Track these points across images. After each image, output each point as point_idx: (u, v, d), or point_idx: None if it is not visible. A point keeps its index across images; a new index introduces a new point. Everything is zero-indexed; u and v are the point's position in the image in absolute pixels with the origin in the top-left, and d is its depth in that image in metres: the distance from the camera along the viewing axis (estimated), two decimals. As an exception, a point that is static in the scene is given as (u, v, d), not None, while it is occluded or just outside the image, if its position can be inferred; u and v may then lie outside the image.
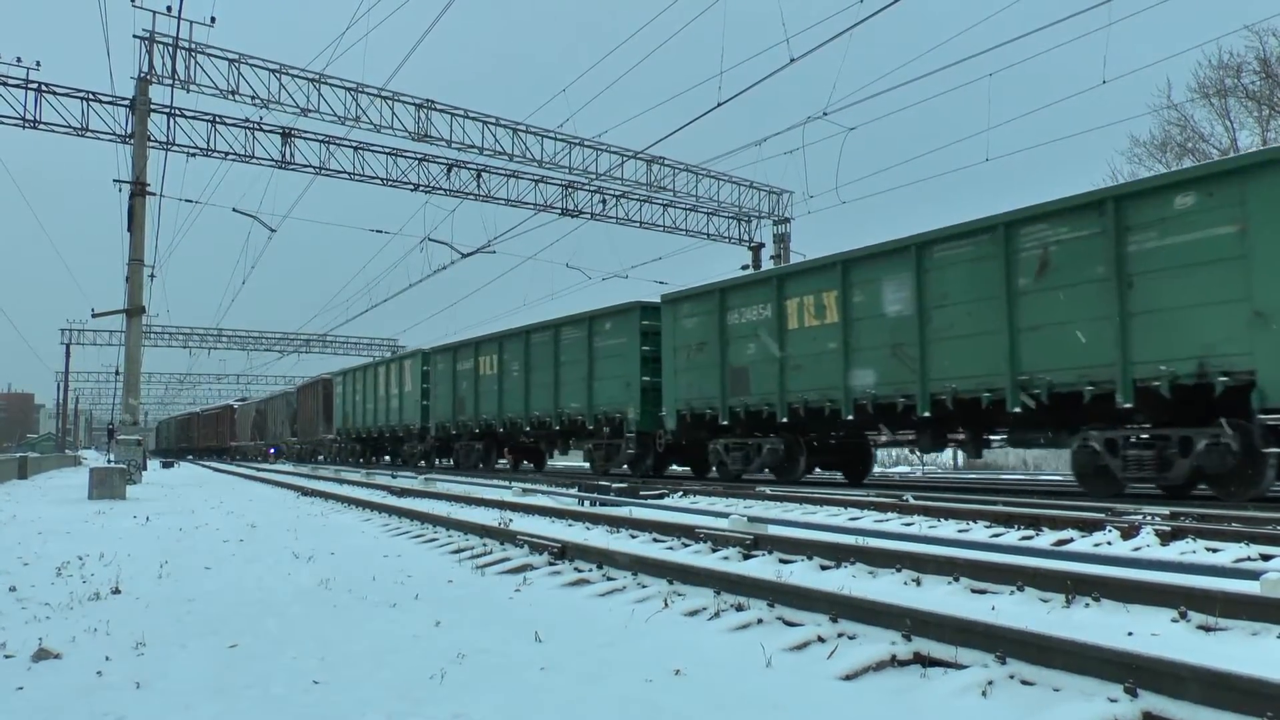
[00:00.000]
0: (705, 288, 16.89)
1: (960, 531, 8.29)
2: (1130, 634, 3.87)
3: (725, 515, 8.74)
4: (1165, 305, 10.23)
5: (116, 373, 58.63)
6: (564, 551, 6.57)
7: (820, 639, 3.97)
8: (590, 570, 6.03)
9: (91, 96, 21.84)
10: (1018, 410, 11.62)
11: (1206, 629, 4.01)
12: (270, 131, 24.19)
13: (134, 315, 21.20)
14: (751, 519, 8.03)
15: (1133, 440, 10.83)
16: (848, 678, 3.48)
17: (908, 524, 8.98)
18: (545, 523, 9.79)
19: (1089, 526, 7.74)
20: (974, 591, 5.02)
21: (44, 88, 21.43)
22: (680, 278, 21.48)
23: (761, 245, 33.05)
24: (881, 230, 14.65)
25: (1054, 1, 15.58)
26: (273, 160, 24.37)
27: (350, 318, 49.00)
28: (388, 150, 25.96)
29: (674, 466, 20.33)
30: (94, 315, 24.43)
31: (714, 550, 6.98)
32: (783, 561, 6.30)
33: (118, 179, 21.46)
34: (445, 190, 26.92)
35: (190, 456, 71.30)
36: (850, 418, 13.84)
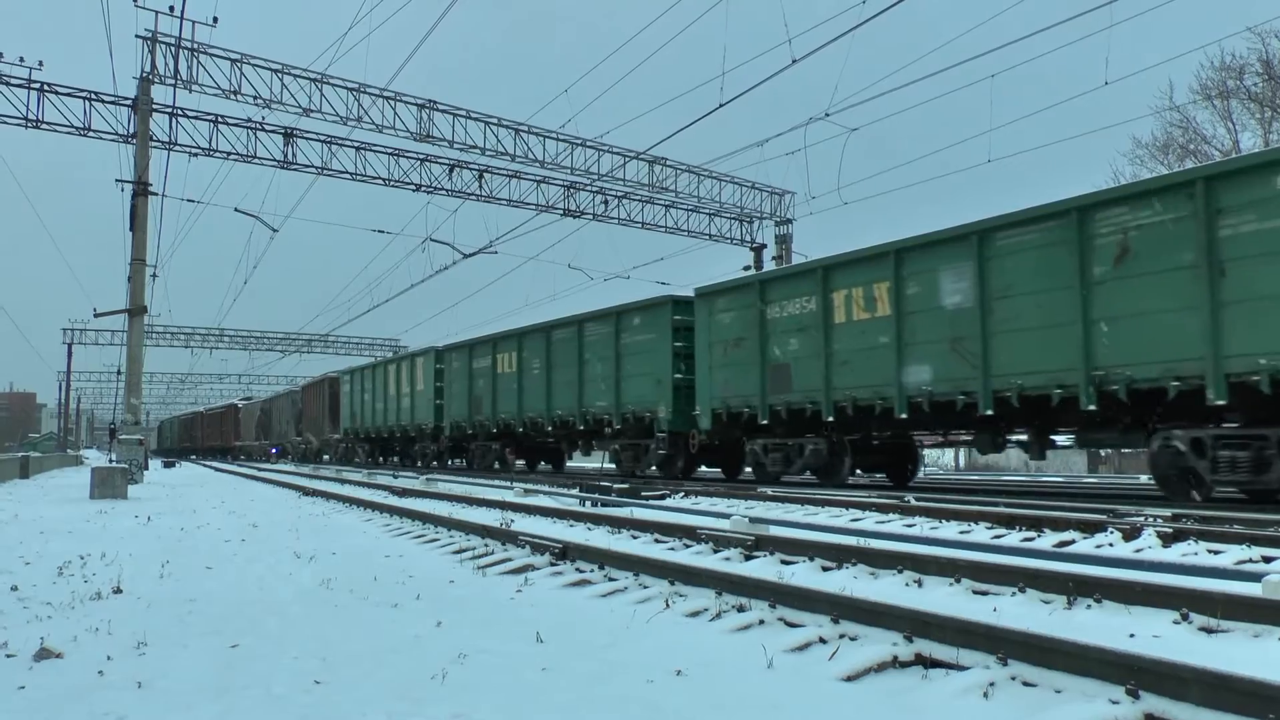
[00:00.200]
0: (743, 280, 16.21)
1: (962, 533, 8.29)
2: (1132, 635, 3.86)
3: (727, 516, 8.74)
4: (1264, 294, 9.44)
5: (118, 372, 58.72)
6: (565, 552, 6.57)
7: (822, 640, 3.97)
8: (592, 571, 6.03)
9: (94, 96, 21.86)
10: (1092, 408, 10.88)
11: (1208, 631, 4.00)
12: (272, 131, 24.22)
13: (136, 315, 21.21)
14: (753, 520, 8.03)
15: (1224, 440, 10.07)
16: (849, 679, 3.48)
17: (909, 525, 8.97)
18: (547, 523, 9.79)
19: (1091, 528, 7.73)
20: (976, 593, 5.01)
21: (46, 87, 21.46)
22: (682, 278, 21.47)
23: (763, 246, 33.06)
24: (882, 231, 14.63)
25: (1056, 3, 15.58)
26: (275, 160, 24.39)
27: (352, 318, 49.16)
28: (390, 150, 25.98)
29: (702, 468, 19.55)
30: (96, 315, 24.43)
31: (715, 551, 6.98)
32: (784, 562, 6.30)
33: (120, 179, 21.46)
34: (447, 190, 26.93)
35: (193, 456, 71.12)
36: (904, 416, 13.10)
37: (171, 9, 20.82)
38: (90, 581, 5.97)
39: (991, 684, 3.24)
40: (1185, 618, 4.09)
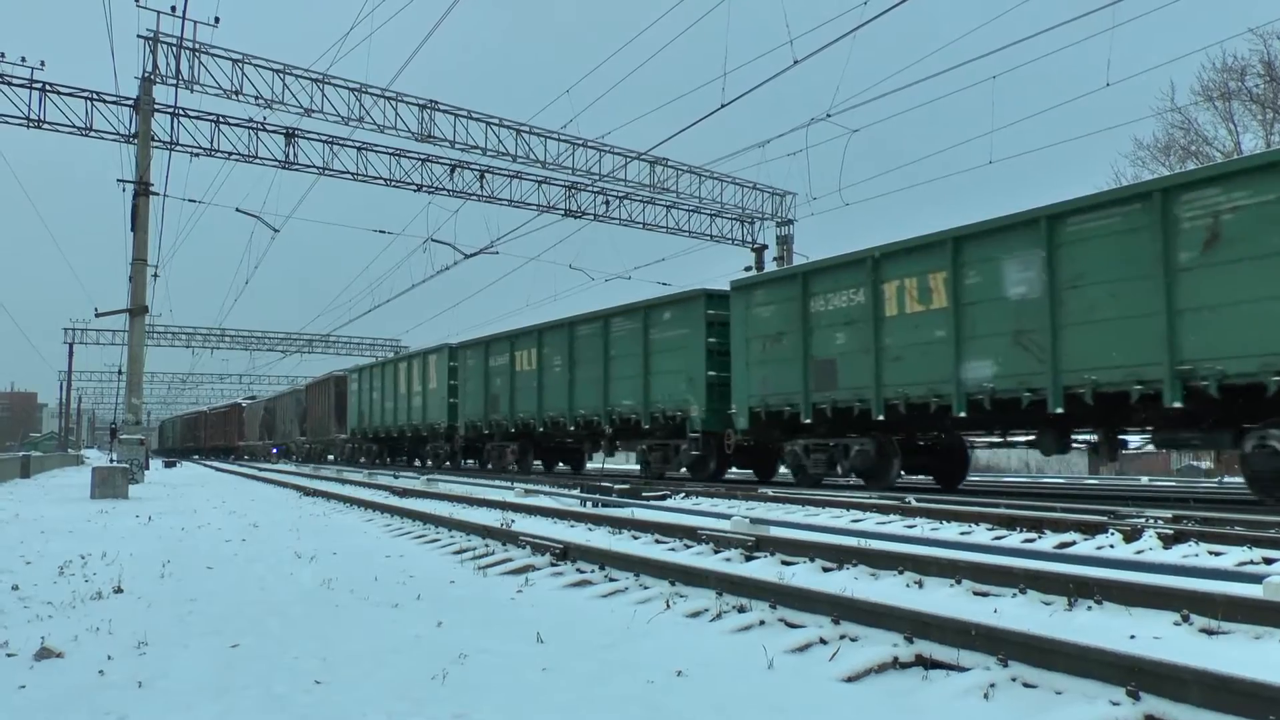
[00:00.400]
0: (784, 272, 15.39)
1: (962, 534, 8.29)
2: (1132, 637, 3.87)
3: (727, 517, 8.74)
4: None
5: (119, 372, 58.74)
6: (566, 552, 6.57)
7: (822, 640, 3.97)
8: (592, 571, 6.03)
9: (95, 96, 21.87)
10: (1177, 405, 10.16)
11: (1209, 632, 4.00)
12: (274, 132, 24.21)
13: (137, 315, 21.22)
14: (754, 521, 8.03)
15: None
16: (849, 679, 3.48)
17: (910, 526, 8.97)
18: (547, 524, 9.79)
19: (1091, 529, 7.73)
20: (976, 594, 5.02)
21: (48, 87, 21.46)
22: (683, 279, 21.45)
23: (765, 247, 33.05)
24: (884, 232, 14.62)
25: (1058, 4, 15.58)
26: (276, 160, 24.39)
27: (353, 318, 49.14)
28: (391, 151, 25.98)
29: (733, 469, 18.75)
30: (97, 315, 24.44)
31: (716, 551, 6.98)
32: (785, 563, 6.30)
33: (121, 179, 21.47)
34: (448, 191, 26.93)
35: (196, 456, 70.96)
36: (962, 415, 12.36)
37: (173, 9, 20.85)
38: (91, 581, 5.97)
39: (992, 685, 3.24)
40: (1186, 619, 4.09)
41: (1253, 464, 10.22)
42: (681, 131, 16.91)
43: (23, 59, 21.40)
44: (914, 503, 10.37)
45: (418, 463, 31.75)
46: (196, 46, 22.00)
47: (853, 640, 3.92)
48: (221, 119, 23.55)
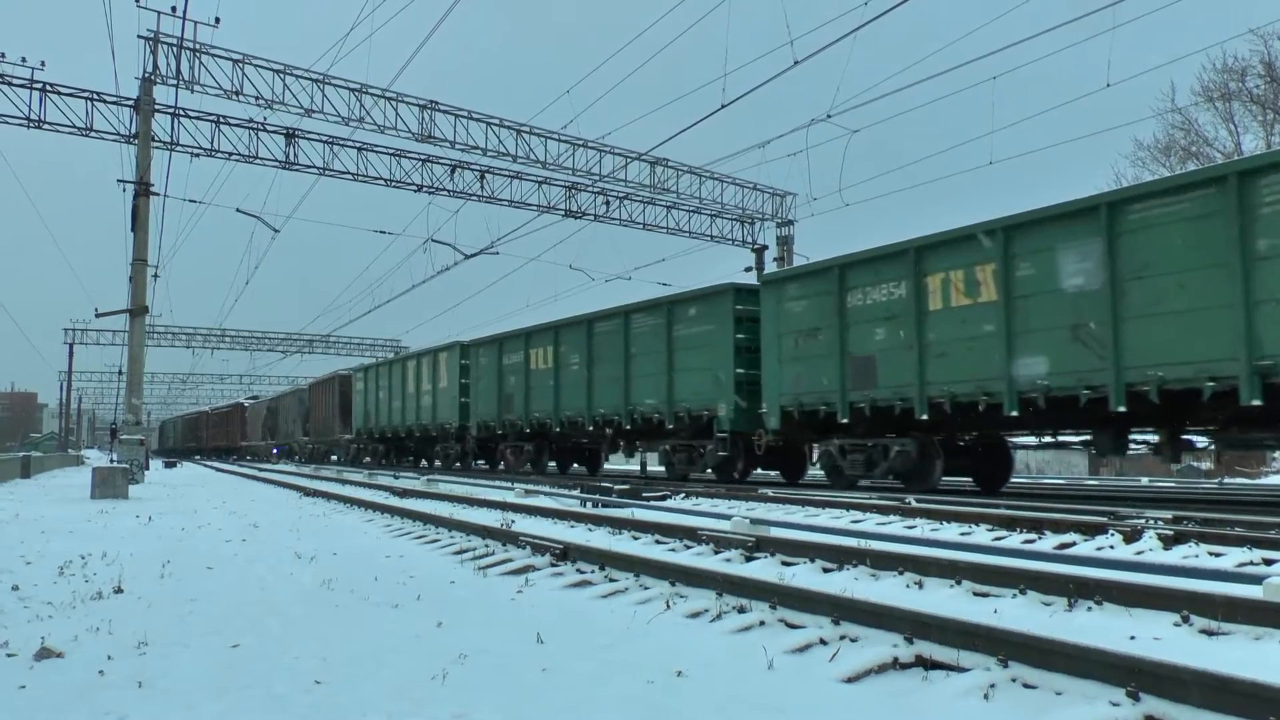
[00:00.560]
0: (819, 265, 14.72)
1: (963, 534, 8.29)
2: (1132, 638, 3.87)
3: (727, 517, 8.74)
4: None
5: (119, 372, 58.78)
6: (566, 553, 6.57)
7: (822, 641, 3.97)
8: (592, 571, 6.03)
9: (96, 96, 21.88)
10: (1256, 403, 9.54)
11: (1209, 633, 4.00)
12: (274, 132, 24.23)
13: (137, 315, 21.23)
14: (754, 521, 8.03)
15: None
16: (849, 680, 3.48)
17: (910, 527, 8.97)
18: (548, 524, 9.79)
19: (1092, 530, 7.74)
20: (976, 594, 5.02)
21: (48, 88, 21.47)
22: (684, 280, 21.42)
23: (765, 247, 33.07)
24: (885, 233, 14.62)
25: (1058, 5, 15.59)
26: (276, 161, 24.41)
27: (353, 318, 49.10)
28: (391, 151, 25.99)
29: (757, 470, 18.08)
30: (97, 315, 24.46)
31: (716, 552, 6.98)
32: (785, 564, 6.30)
33: (122, 179, 21.49)
34: (449, 191, 26.95)
35: (197, 456, 70.76)
36: (1014, 414, 11.75)
37: (173, 9, 20.87)
38: (91, 581, 5.97)
39: (992, 686, 3.24)
40: (1186, 620, 4.09)
41: None
42: (682, 132, 16.94)
43: (23, 59, 21.44)
44: (914, 503, 10.37)
45: (423, 463, 31.29)
46: (197, 47, 22.02)
47: (853, 641, 3.92)
48: (222, 119, 23.56)
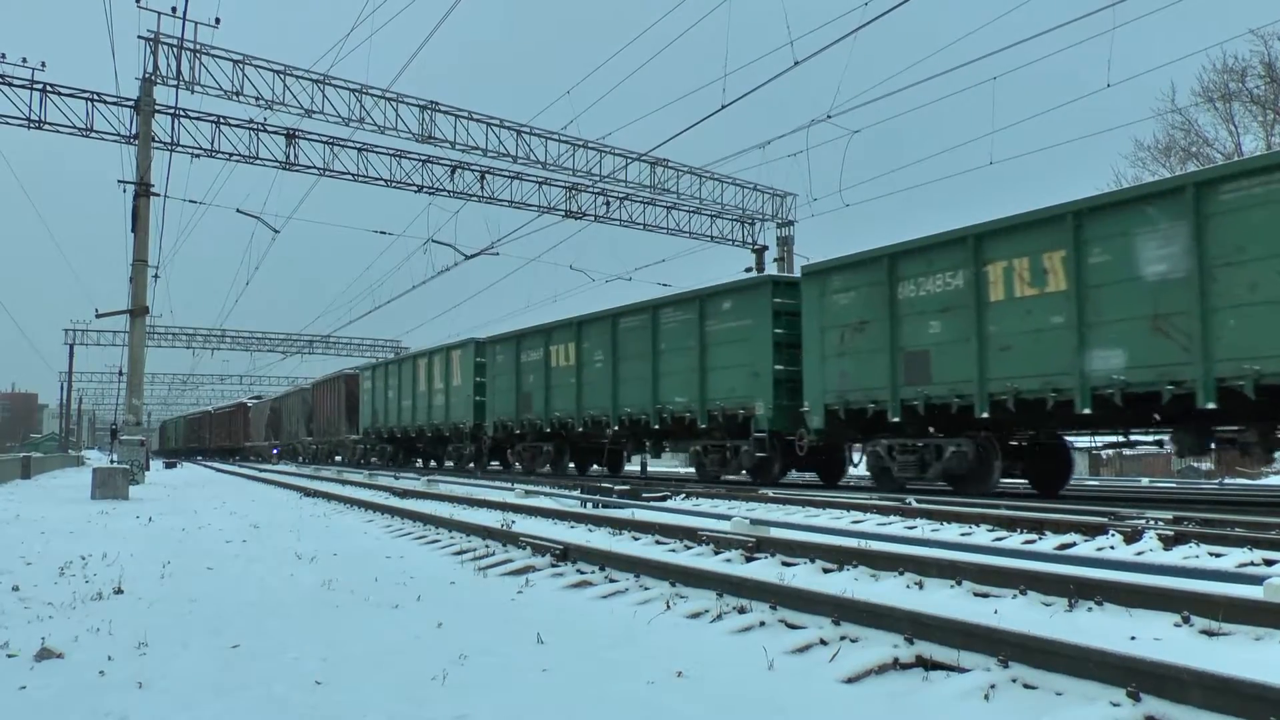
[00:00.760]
0: (867, 254, 13.83)
1: (963, 535, 8.29)
2: (1133, 638, 3.86)
3: (728, 518, 8.73)
4: None
5: (120, 373, 58.80)
6: (566, 553, 6.57)
7: (822, 641, 3.97)
8: (593, 572, 6.03)
9: (96, 97, 21.89)
10: None
11: (1209, 634, 4.00)
12: (274, 133, 24.24)
13: (138, 316, 21.24)
14: (754, 521, 8.03)
15: None
16: (850, 680, 3.48)
17: (910, 527, 8.97)
18: (548, 524, 9.79)
19: (1092, 531, 7.73)
20: (976, 595, 5.01)
21: (49, 88, 21.49)
22: (684, 280, 21.38)
23: (765, 248, 33.08)
24: (884, 234, 14.60)
25: (1058, 5, 15.59)
26: (277, 161, 24.42)
27: (353, 319, 49.07)
28: (392, 152, 26.00)
29: (792, 472, 17.47)
30: (98, 315, 24.50)
31: (716, 553, 6.98)
32: (785, 564, 6.30)
33: (122, 179, 21.50)
34: (449, 192, 26.96)
35: (199, 457, 70.53)
36: (1087, 411, 10.98)
37: (174, 10, 20.89)
38: (91, 582, 5.97)
39: (992, 686, 3.23)
40: (1186, 620, 4.09)
41: None
42: (682, 132, 16.94)
43: (24, 59, 21.45)
44: (914, 504, 10.37)
45: (432, 464, 30.84)
46: (197, 47, 22.04)
47: (853, 641, 3.92)
48: (222, 120, 23.58)
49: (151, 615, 4.85)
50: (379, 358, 53.53)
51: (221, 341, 59.01)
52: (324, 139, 24.95)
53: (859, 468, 15.83)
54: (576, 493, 14.27)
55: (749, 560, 6.54)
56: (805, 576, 5.75)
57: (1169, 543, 6.99)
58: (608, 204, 29.74)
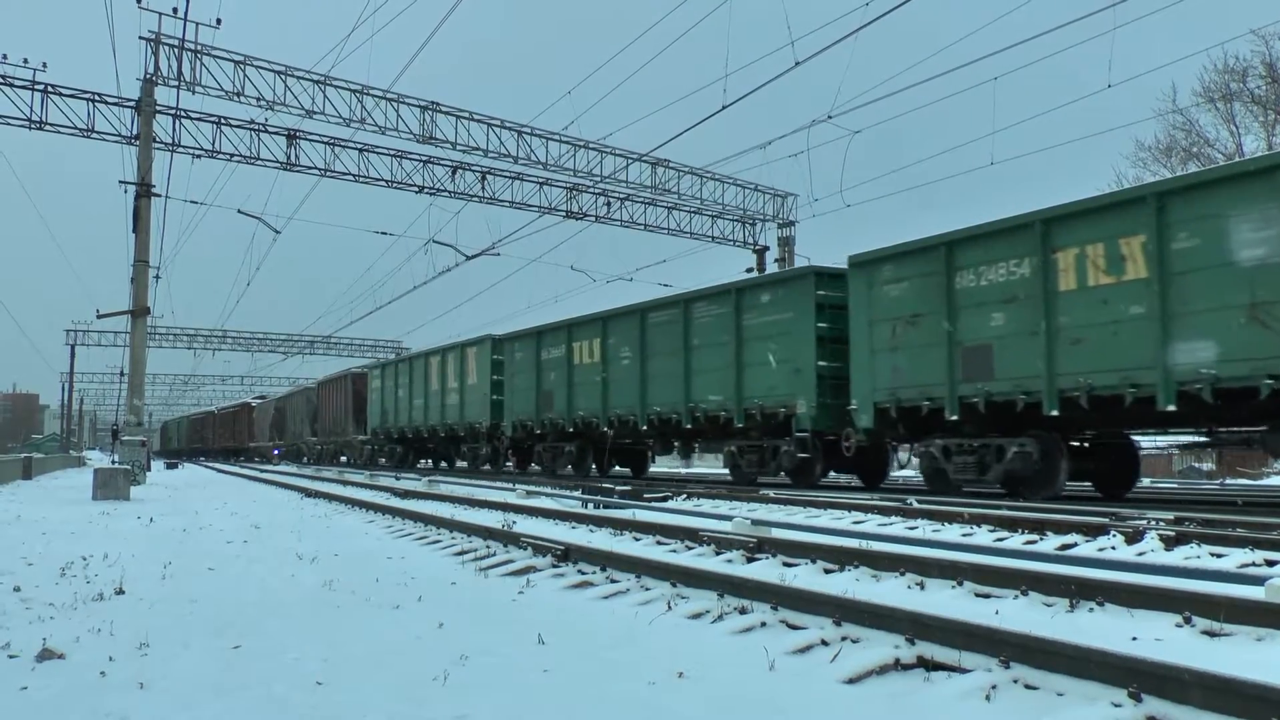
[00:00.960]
0: (921, 243, 13.08)
1: (964, 535, 8.28)
2: (1134, 639, 3.86)
3: (729, 518, 8.73)
4: None
5: (121, 373, 58.84)
6: (567, 554, 6.57)
7: (824, 642, 3.97)
8: (594, 572, 6.03)
9: (97, 98, 21.91)
10: None
11: (1211, 634, 4.00)
12: (275, 133, 24.26)
13: (139, 316, 21.25)
14: (755, 522, 8.02)
15: None
16: (851, 681, 3.48)
17: (911, 528, 8.97)
18: (549, 525, 9.79)
19: (1093, 531, 7.73)
20: (978, 595, 5.01)
21: (50, 89, 21.50)
22: (685, 280, 21.34)
23: (766, 248, 33.09)
24: (885, 234, 14.58)
25: (1059, 5, 15.58)
26: (278, 162, 24.44)
27: (354, 319, 49.01)
28: (393, 152, 26.02)
29: (830, 473, 16.74)
30: (99, 316, 24.54)
31: (718, 553, 6.98)
32: (786, 565, 6.30)
33: (123, 180, 21.52)
34: (450, 192, 26.97)
35: (202, 458, 70.32)
36: (1171, 408, 10.20)
37: (175, 11, 20.88)
38: (92, 582, 5.97)
39: (993, 687, 3.23)
40: (1188, 621, 4.09)
41: None
42: (683, 133, 16.95)
43: (25, 60, 21.47)
44: (915, 504, 10.36)
45: (444, 464, 30.48)
46: (198, 48, 22.06)
47: (854, 642, 3.92)
48: (223, 120, 23.60)
49: (152, 616, 4.85)
50: (380, 358, 53.52)
51: (223, 342, 59.10)
52: (325, 139, 24.97)
53: (907, 469, 15.17)
54: (578, 493, 14.26)
55: (750, 561, 6.54)
56: (806, 577, 5.74)
57: (1170, 543, 6.99)
58: (609, 204, 29.75)
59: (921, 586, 5.31)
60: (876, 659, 3.62)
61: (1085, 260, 11.09)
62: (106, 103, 21.97)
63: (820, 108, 19.23)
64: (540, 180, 28.22)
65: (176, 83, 21.91)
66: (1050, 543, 7.54)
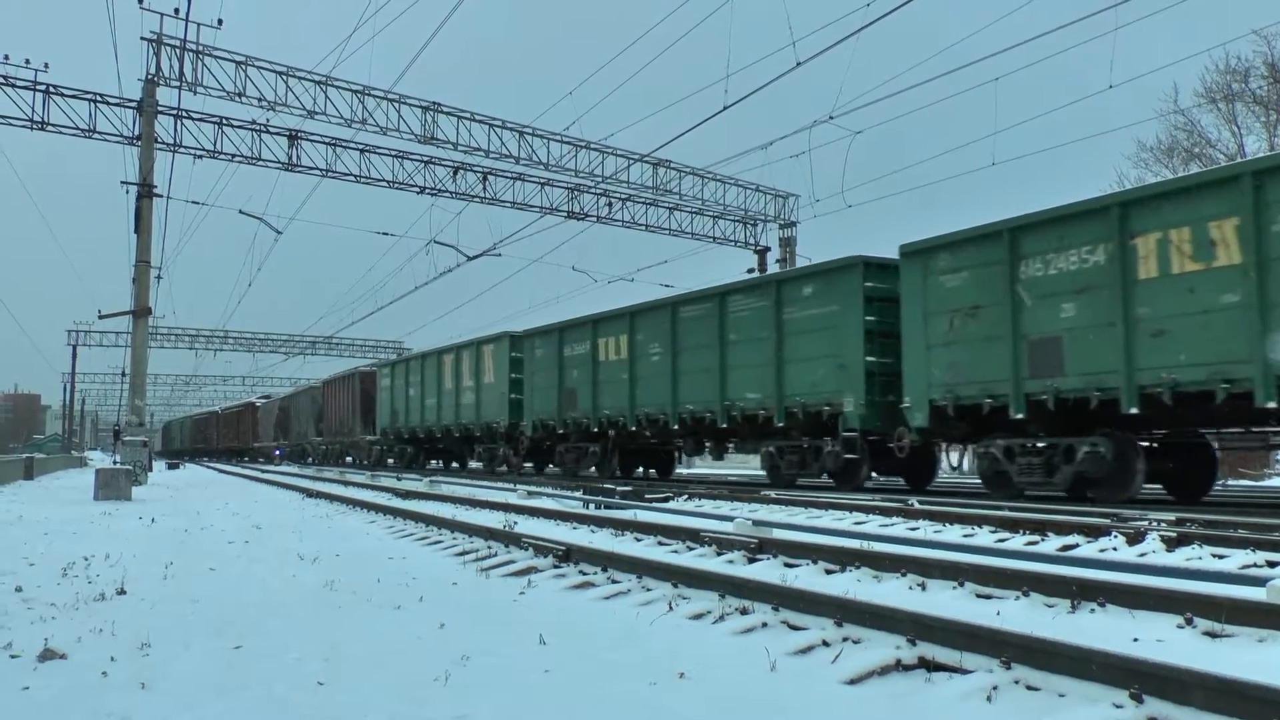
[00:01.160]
0: (981, 229, 12.28)
1: (965, 536, 8.28)
2: (1136, 640, 3.86)
3: (730, 519, 8.73)
4: None
5: (123, 374, 58.84)
6: (569, 554, 6.57)
7: (825, 643, 3.97)
8: (595, 573, 6.03)
9: (99, 98, 21.91)
10: None
11: (1212, 635, 3.99)
12: (277, 134, 24.26)
13: (140, 316, 21.25)
14: (756, 523, 8.02)
15: None
16: (852, 682, 3.48)
17: (913, 529, 8.96)
18: (550, 525, 9.79)
19: (1095, 532, 7.72)
20: (979, 596, 5.01)
21: (51, 89, 21.51)
22: (685, 280, 21.33)
23: (767, 249, 33.08)
24: (886, 234, 14.58)
25: (1060, 5, 15.58)
26: (279, 162, 24.44)
27: (356, 320, 49.05)
28: (394, 153, 26.02)
29: (873, 475, 15.90)
30: (100, 316, 24.55)
31: (719, 554, 6.98)
32: (787, 565, 6.30)
33: (125, 180, 21.53)
34: (451, 193, 26.97)
35: (205, 458, 70.20)
36: (1271, 404, 9.42)
37: (176, 11, 20.88)
38: (94, 582, 5.98)
39: (995, 687, 3.23)
40: (1189, 622, 4.09)
41: None
42: (684, 133, 16.91)
43: (26, 61, 21.47)
44: (917, 505, 10.36)
45: (454, 465, 30.08)
46: (200, 48, 22.06)
47: (855, 642, 3.92)
48: (224, 121, 23.60)
49: (154, 616, 4.85)
50: (380, 359, 53.52)
51: (224, 342, 59.13)
52: (326, 140, 24.97)
53: (957, 471, 14.30)
54: (579, 494, 14.27)
55: (751, 561, 6.54)
56: (808, 578, 5.74)
57: (1172, 544, 6.98)
58: (610, 205, 29.74)
59: (923, 587, 5.31)
60: (878, 660, 3.62)
61: (1169, 246, 10.28)
62: (108, 103, 21.98)
63: (822, 108, 19.23)
64: (542, 181, 28.23)
65: (178, 83, 21.92)
66: (1052, 544, 7.53)
